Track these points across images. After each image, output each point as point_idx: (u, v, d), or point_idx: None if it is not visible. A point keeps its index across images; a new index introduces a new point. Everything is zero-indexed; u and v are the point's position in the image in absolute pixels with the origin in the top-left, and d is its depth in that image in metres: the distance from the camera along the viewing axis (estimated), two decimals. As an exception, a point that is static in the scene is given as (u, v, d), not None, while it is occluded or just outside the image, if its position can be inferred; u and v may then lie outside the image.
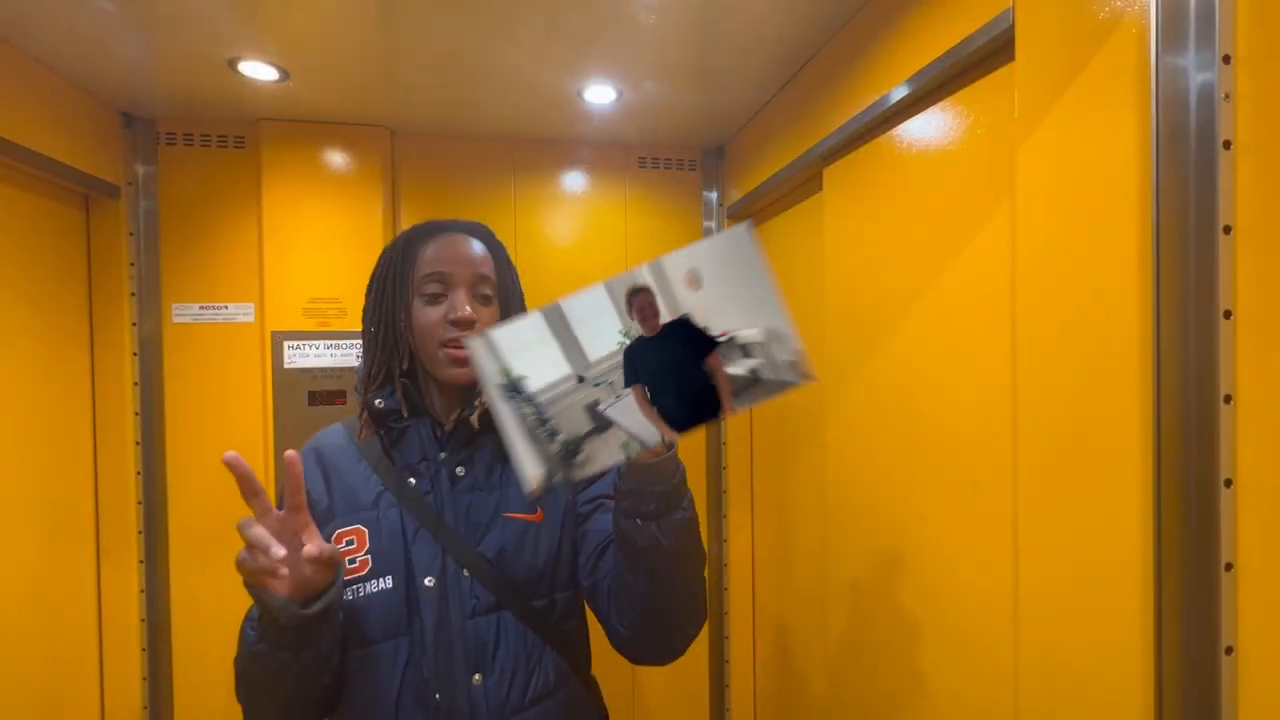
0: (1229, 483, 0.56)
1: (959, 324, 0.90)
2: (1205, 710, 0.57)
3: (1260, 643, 0.56)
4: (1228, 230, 0.56)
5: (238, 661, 0.73)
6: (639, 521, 0.69)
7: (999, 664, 0.82)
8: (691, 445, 1.80)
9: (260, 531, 0.63)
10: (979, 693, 0.86)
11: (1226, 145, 0.56)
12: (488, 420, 0.82)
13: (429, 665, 0.77)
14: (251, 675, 0.71)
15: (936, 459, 0.95)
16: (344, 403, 1.53)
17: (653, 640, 0.78)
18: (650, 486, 0.68)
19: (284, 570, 0.64)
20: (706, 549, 1.74)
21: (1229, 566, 0.57)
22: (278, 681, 0.70)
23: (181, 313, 1.53)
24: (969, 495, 0.88)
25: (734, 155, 1.73)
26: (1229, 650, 0.57)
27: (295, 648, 0.68)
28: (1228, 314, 0.56)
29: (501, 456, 0.84)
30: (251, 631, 0.69)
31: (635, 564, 0.72)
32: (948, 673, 0.93)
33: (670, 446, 0.68)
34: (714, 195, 1.80)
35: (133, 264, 1.49)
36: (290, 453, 0.67)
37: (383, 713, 0.76)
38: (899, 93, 0.98)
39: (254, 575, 0.64)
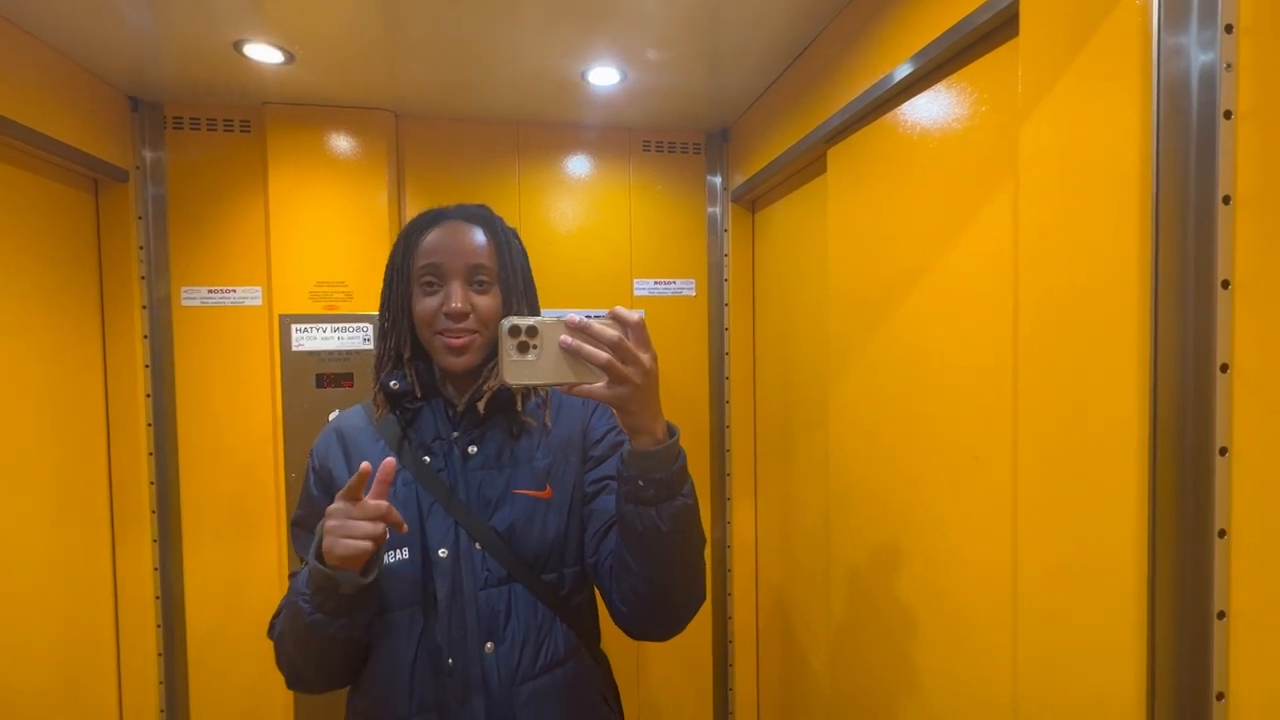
0: (1224, 451, 0.57)
1: (962, 302, 0.91)
2: (1197, 671, 0.58)
3: (1252, 607, 0.57)
4: (1227, 200, 0.56)
5: (285, 635, 0.78)
6: (639, 506, 0.71)
7: (998, 636, 0.83)
8: (696, 429, 1.81)
9: (396, 514, 0.71)
10: (978, 662, 0.88)
11: (1227, 115, 0.56)
12: (494, 405, 0.85)
13: (442, 632, 0.79)
14: (310, 645, 0.75)
15: (939, 437, 0.96)
16: (351, 385, 1.55)
17: (651, 619, 0.80)
18: (650, 473, 0.69)
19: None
20: (710, 531, 1.79)
21: (1222, 533, 0.58)
22: (332, 645, 0.74)
23: (190, 296, 1.55)
24: (971, 470, 0.89)
25: (738, 138, 1.73)
26: (1221, 615, 0.58)
27: (351, 613, 0.73)
28: (1226, 284, 0.57)
29: (512, 436, 0.87)
30: (306, 605, 0.72)
31: (635, 547, 0.74)
32: (949, 646, 0.95)
33: (673, 434, 0.70)
34: (718, 180, 1.80)
35: (141, 247, 1.51)
36: (389, 460, 0.71)
37: (399, 678, 0.79)
38: (903, 71, 0.98)
39: (349, 559, 0.69)
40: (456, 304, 0.81)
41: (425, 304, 0.83)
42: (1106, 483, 0.65)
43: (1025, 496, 0.76)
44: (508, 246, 0.88)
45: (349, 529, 0.68)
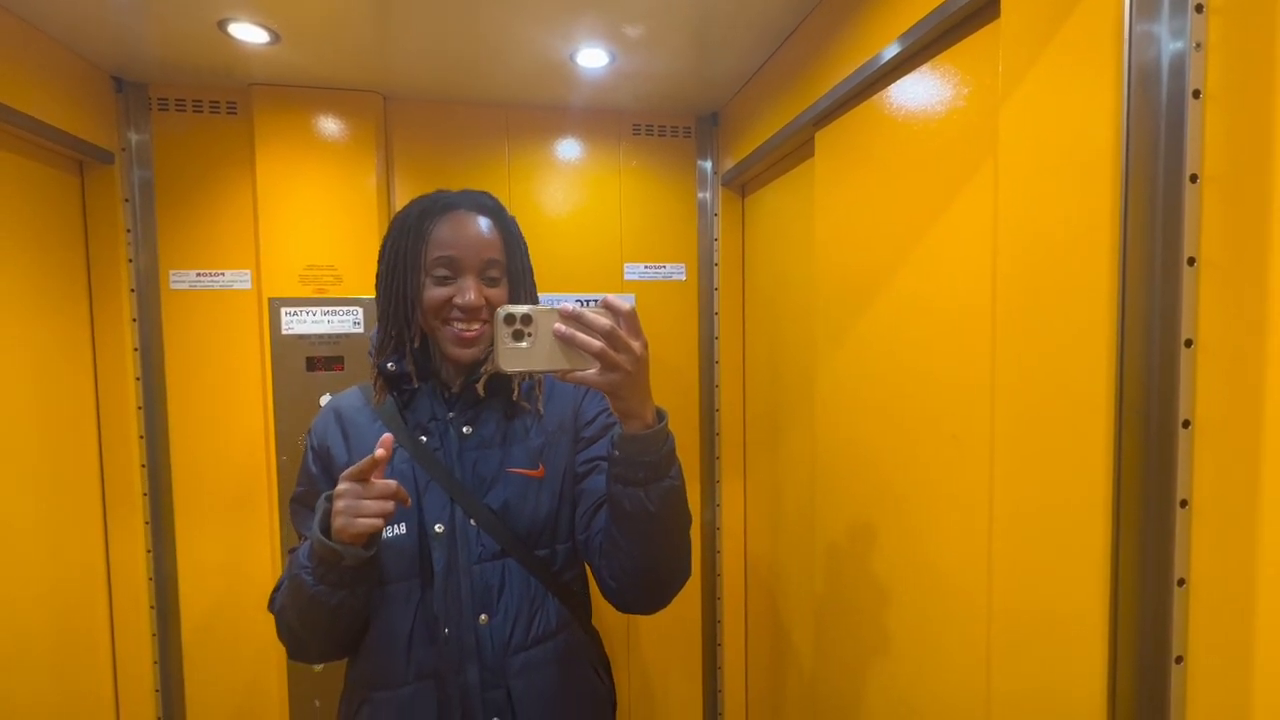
0: (1187, 423, 0.59)
1: (944, 283, 0.92)
2: (1157, 636, 0.60)
3: (1210, 573, 0.59)
4: (1194, 179, 0.58)
5: (287, 609, 0.81)
6: (628, 487, 0.73)
7: (974, 607, 0.86)
8: (686, 413, 1.83)
9: (404, 491, 0.74)
10: (954, 632, 0.91)
11: (1196, 95, 0.57)
12: (493, 387, 0.87)
13: (438, 604, 0.82)
14: (312, 616, 0.78)
15: (921, 417, 0.98)
16: (342, 369, 1.55)
17: (638, 593, 0.83)
18: (640, 456, 0.71)
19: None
20: (700, 513, 1.81)
21: (1184, 503, 0.60)
22: (334, 616, 0.78)
23: (179, 279, 1.54)
24: (950, 449, 0.91)
25: (728, 122, 1.73)
26: (1181, 582, 0.60)
27: (352, 585, 0.77)
28: (1191, 261, 0.58)
29: (506, 417, 0.89)
30: (308, 577, 0.75)
31: (623, 526, 0.76)
32: (928, 619, 0.97)
33: (661, 419, 0.72)
34: (708, 164, 1.80)
35: (129, 230, 1.50)
36: (387, 436, 0.74)
37: (397, 646, 0.82)
38: (889, 52, 0.99)
39: (360, 535, 0.72)
40: (472, 298, 0.83)
41: (436, 293, 0.84)
42: (1075, 456, 0.67)
43: (1001, 473, 0.78)
44: (517, 240, 0.90)
45: (360, 508, 0.71)
